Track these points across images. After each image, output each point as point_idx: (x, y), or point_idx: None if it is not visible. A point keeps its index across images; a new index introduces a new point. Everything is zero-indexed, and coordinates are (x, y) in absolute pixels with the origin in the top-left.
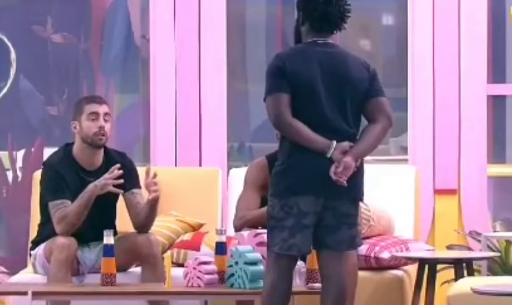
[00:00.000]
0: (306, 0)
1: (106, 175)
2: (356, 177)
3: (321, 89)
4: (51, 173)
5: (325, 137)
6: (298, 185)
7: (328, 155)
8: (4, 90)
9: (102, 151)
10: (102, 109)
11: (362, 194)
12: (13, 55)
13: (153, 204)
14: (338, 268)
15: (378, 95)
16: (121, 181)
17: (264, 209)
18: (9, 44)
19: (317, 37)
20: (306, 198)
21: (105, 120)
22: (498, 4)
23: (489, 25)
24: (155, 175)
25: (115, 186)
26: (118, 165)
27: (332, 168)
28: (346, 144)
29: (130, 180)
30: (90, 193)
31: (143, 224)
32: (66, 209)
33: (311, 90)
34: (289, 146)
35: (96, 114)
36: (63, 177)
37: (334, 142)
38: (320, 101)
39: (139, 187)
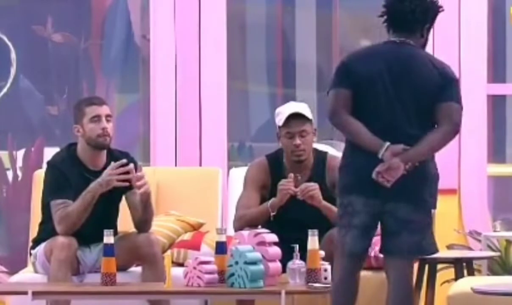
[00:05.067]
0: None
1: (108, 171)
2: (415, 182)
3: (382, 87)
4: (54, 172)
5: (382, 136)
6: (352, 184)
7: (380, 156)
8: (4, 90)
9: (105, 151)
10: (103, 110)
11: (427, 201)
12: (13, 55)
13: (145, 200)
14: (398, 275)
15: (447, 100)
16: (129, 176)
17: (263, 206)
18: (9, 44)
19: (396, 37)
20: (358, 198)
21: (107, 120)
22: (498, 4)
23: (489, 25)
24: (136, 169)
25: (120, 181)
26: (124, 161)
27: (377, 168)
28: (400, 146)
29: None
30: (94, 192)
31: (141, 221)
32: (67, 209)
33: (371, 88)
34: (348, 144)
35: (98, 116)
36: (66, 176)
37: (387, 143)
38: (380, 99)
39: None
